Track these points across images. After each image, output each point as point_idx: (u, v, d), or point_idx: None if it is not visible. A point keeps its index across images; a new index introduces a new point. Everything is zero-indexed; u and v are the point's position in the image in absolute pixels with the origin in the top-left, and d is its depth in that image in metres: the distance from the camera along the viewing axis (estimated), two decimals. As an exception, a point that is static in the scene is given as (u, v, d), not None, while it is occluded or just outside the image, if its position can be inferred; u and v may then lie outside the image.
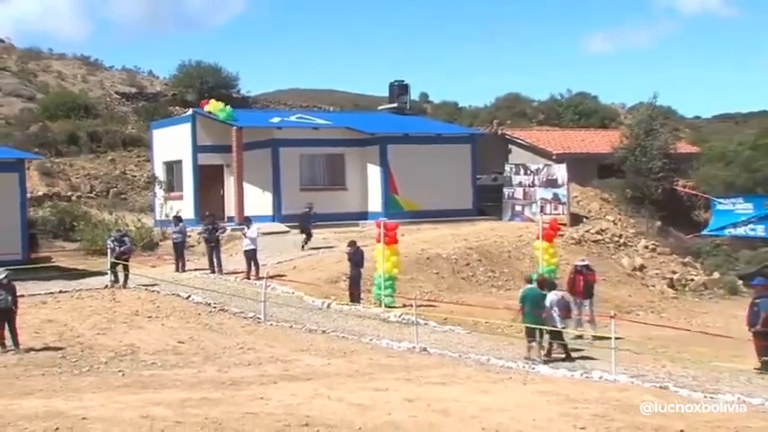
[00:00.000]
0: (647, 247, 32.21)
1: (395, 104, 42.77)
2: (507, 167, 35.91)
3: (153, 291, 22.97)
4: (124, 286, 23.52)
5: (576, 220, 33.52)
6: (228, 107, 34.82)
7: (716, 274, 30.76)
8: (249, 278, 24.48)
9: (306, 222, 29.57)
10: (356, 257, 22.83)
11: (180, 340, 17.62)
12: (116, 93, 56.20)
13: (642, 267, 30.40)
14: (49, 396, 12.34)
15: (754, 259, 32.18)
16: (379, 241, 22.69)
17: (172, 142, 35.98)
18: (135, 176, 42.35)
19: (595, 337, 19.22)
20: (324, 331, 18.81)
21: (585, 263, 21.79)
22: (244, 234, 25.39)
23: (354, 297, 22.61)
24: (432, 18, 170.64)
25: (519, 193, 34.89)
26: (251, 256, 24.86)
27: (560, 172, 33.90)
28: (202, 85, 53.79)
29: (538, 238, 25.72)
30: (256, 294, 21.03)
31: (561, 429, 10.65)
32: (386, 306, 21.96)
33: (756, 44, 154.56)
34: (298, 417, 10.82)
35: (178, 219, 27.40)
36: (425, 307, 21.34)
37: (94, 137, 44.70)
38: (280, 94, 73.55)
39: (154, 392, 12.63)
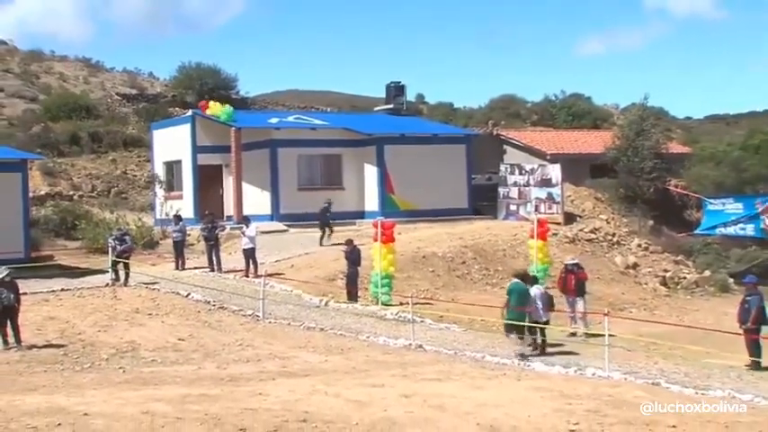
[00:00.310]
0: (639, 246, 32.38)
1: (391, 105, 42.95)
2: (502, 167, 36.07)
3: (153, 289, 23.07)
4: (125, 284, 23.65)
5: (569, 219, 33.71)
6: (228, 107, 35.08)
7: (707, 273, 30.90)
8: (248, 276, 24.59)
9: (325, 218, 29.73)
10: (353, 256, 22.97)
11: (180, 337, 17.70)
12: (117, 94, 56.40)
13: (635, 265, 30.57)
14: (51, 392, 12.41)
15: (745, 258, 32.43)
16: (376, 240, 22.85)
17: (172, 143, 36.11)
18: (135, 176, 42.58)
19: (588, 335, 19.41)
20: (321, 328, 18.91)
21: (575, 261, 21.96)
22: (242, 233, 25.50)
23: (352, 295, 22.74)
24: (428, 21, 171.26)
25: (514, 192, 35.08)
26: (250, 254, 24.99)
27: (554, 172, 34.11)
28: (202, 86, 53.83)
29: (532, 236, 26.03)
30: (255, 292, 21.13)
31: (555, 424, 10.69)
32: (383, 304, 22.13)
33: (747, 46, 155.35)
34: (296, 412, 10.88)
35: (178, 218, 27.54)
36: (422, 305, 21.51)
37: (96, 137, 44.93)
38: (278, 95, 73.59)
39: (154, 389, 12.70)
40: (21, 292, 17.63)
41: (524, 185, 34.79)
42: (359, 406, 11.39)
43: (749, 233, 33.18)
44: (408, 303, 19.26)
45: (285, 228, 32.19)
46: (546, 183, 34.15)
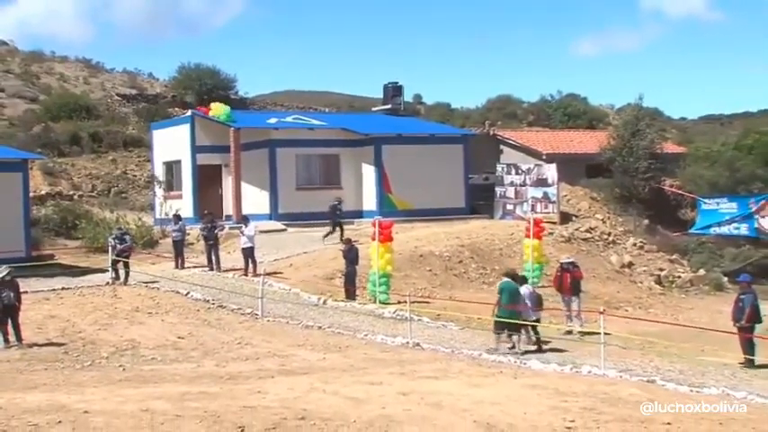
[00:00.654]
0: (635, 245, 32.53)
1: (389, 106, 42.94)
2: (499, 167, 36.18)
3: (153, 287, 23.15)
4: (125, 283, 23.75)
5: (565, 218, 33.87)
6: (227, 107, 35.21)
7: (702, 271, 31.05)
8: (247, 275, 24.66)
9: (335, 216, 29.85)
10: (351, 255, 23.03)
11: (179, 336, 17.78)
12: (117, 94, 56.41)
13: (630, 264, 30.69)
14: (51, 390, 12.45)
15: (739, 257, 32.59)
16: (373, 239, 22.93)
17: (171, 143, 36.20)
18: (135, 176, 42.72)
19: (584, 333, 19.49)
20: (320, 327, 19.00)
21: (571, 260, 22.04)
22: (241, 232, 25.57)
23: (350, 294, 22.82)
24: (425, 22, 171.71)
25: (510, 192, 35.18)
26: (248, 253, 25.07)
27: (550, 172, 34.26)
28: (201, 86, 53.92)
29: (528, 236, 26.18)
30: (254, 291, 21.23)
31: (551, 422, 10.71)
32: (380, 302, 22.22)
33: (741, 47, 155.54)
34: (294, 410, 10.87)
35: (177, 217, 27.60)
36: (419, 303, 21.55)
37: (96, 137, 45.03)
38: (276, 95, 73.70)
39: (154, 386, 12.76)
40: (21, 290, 17.73)
41: (521, 185, 34.92)
42: (357, 403, 11.42)
43: (743, 232, 33.31)
44: (406, 302, 19.37)
45: (283, 227, 32.34)
46: (542, 182, 34.29)
